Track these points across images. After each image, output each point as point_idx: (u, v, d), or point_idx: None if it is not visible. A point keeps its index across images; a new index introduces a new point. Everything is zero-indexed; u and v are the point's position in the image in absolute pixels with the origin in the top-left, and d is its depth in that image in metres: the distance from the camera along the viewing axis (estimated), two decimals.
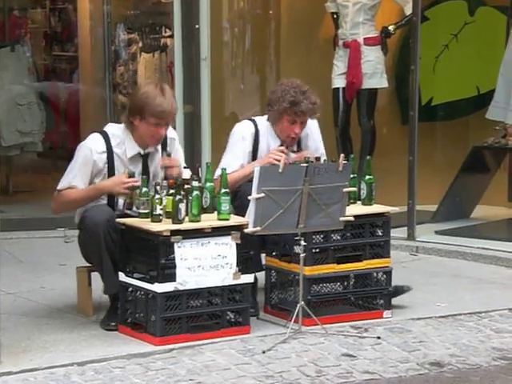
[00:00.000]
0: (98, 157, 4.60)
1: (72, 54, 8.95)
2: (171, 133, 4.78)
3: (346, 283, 4.88)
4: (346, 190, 4.58)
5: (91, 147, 4.62)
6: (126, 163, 4.64)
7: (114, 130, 4.70)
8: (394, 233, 5.13)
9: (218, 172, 4.75)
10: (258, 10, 7.63)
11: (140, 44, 7.95)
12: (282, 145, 4.91)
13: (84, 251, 4.68)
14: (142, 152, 4.66)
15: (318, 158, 4.97)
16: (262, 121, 5.02)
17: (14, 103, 7.87)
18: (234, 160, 4.91)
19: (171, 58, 7.13)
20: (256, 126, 4.98)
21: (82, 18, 8.42)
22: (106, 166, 4.62)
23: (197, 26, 6.53)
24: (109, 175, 4.63)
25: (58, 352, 4.31)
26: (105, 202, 4.65)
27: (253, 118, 5.09)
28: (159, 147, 4.71)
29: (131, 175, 4.54)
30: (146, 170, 4.66)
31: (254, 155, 4.97)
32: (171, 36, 7.12)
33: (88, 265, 4.75)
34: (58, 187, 4.65)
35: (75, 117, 8.54)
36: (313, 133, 5.07)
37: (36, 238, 6.61)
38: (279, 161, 4.72)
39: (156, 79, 4.46)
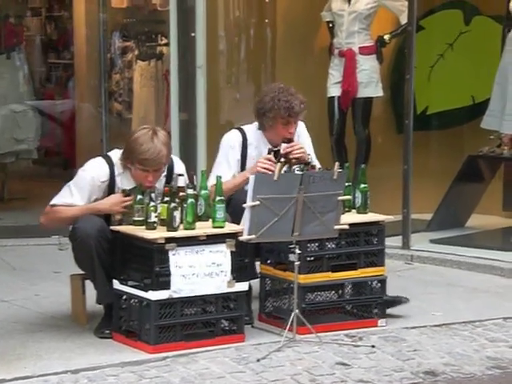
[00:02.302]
0: (100, 185, 4.60)
1: (68, 61, 8.96)
2: (179, 168, 4.72)
3: (340, 291, 4.88)
4: (340, 198, 4.58)
5: (94, 175, 4.60)
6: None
7: (118, 157, 4.65)
8: (388, 241, 5.13)
9: (211, 180, 4.75)
10: (253, 18, 7.65)
11: (136, 52, 7.96)
12: (269, 153, 4.93)
13: (77, 261, 4.66)
14: (138, 186, 4.58)
15: (313, 167, 4.98)
16: (251, 129, 5.06)
17: (10, 110, 7.87)
18: (225, 170, 4.93)
19: (167, 66, 7.15)
20: (244, 134, 5.04)
21: (77, 26, 8.43)
22: (107, 193, 4.61)
23: (193, 35, 6.53)
24: None
25: (51, 360, 4.30)
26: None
27: (241, 126, 5.12)
28: (157, 184, 4.65)
29: (127, 194, 4.54)
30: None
31: (243, 163, 5.00)
32: (167, 44, 7.14)
33: (82, 272, 4.75)
34: (53, 202, 4.62)
35: (70, 124, 8.54)
36: (301, 135, 5.12)
37: (30, 246, 6.60)
38: (267, 169, 4.78)
39: (152, 126, 4.44)
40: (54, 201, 4.64)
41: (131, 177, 4.62)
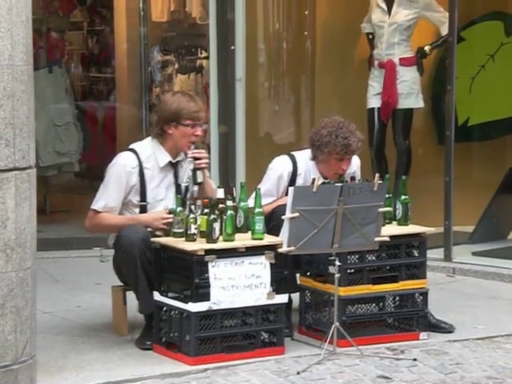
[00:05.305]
0: (132, 171, 4.68)
1: (109, 75, 9.03)
2: None
3: (381, 304, 4.84)
4: (381, 210, 4.55)
5: (124, 164, 4.70)
6: (156, 174, 4.69)
7: (140, 145, 4.80)
8: (430, 254, 5.09)
9: (251, 201, 4.65)
10: (293, 31, 7.66)
11: (176, 65, 8.00)
12: (312, 182, 4.68)
13: (119, 271, 4.71)
14: (172, 160, 4.74)
15: (352, 178, 4.95)
16: (303, 157, 4.97)
17: (52, 124, 7.95)
18: (266, 196, 4.85)
19: (207, 79, 7.18)
20: (295, 164, 4.96)
21: (118, 40, 8.51)
22: (139, 181, 4.68)
23: (232, 48, 6.57)
24: (141, 190, 4.69)
25: (93, 371, 4.32)
26: None
27: (293, 153, 5.04)
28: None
29: (171, 212, 4.58)
30: (176, 178, 4.74)
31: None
32: (207, 57, 7.17)
33: (123, 284, 4.77)
34: (94, 207, 4.70)
35: (112, 137, 8.61)
36: (356, 171, 5.05)
37: (72, 258, 6.66)
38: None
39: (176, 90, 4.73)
40: (95, 206, 4.70)
41: (168, 148, 4.70)
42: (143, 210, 4.71)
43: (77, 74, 9.23)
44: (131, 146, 4.82)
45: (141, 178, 4.69)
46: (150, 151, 4.73)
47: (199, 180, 4.64)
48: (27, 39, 4.02)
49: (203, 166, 4.69)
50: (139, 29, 7.97)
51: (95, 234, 4.90)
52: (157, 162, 4.71)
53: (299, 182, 4.95)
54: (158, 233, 4.62)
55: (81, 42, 9.36)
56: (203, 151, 4.76)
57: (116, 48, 8.63)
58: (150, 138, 4.82)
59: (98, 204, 4.69)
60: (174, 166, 4.76)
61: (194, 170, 4.66)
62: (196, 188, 4.69)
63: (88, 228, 4.76)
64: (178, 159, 4.77)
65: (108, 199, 4.67)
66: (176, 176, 4.75)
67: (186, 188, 4.76)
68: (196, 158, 4.68)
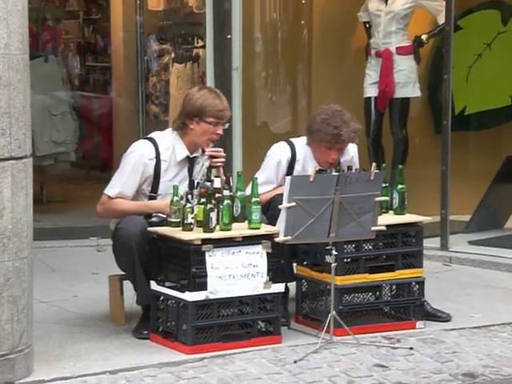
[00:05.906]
0: (149, 163, 4.67)
1: (105, 64, 9.02)
2: None
3: (378, 293, 4.85)
4: (377, 199, 4.56)
5: (142, 153, 4.67)
6: (172, 167, 4.68)
7: (161, 136, 4.77)
8: (426, 243, 5.09)
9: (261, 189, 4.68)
10: (289, 20, 7.65)
11: (172, 54, 7.99)
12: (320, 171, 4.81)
13: (118, 261, 4.71)
14: (190, 155, 4.73)
15: (349, 167, 4.95)
16: (301, 144, 4.97)
17: (48, 113, 7.94)
18: (266, 184, 4.88)
19: (203, 69, 7.17)
20: (293, 150, 4.96)
21: (115, 29, 8.50)
22: (154, 172, 4.68)
23: (229, 37, 6.56)
24: (154, 181, 4.69)
25: (90, 360, 4.33)
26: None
27: (291, 140, 5.04)
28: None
29: (181, 198, 4.57)
30: (190, 173, 4.73)
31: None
32: (203, 46, 7.16)
33: (120, 273, 4.78)
34: (109, 193, 4.67)
35: (108, 127, 8.60)
36: (354, 158, 5.05)
37: (69, 247, 6.65)
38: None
39: (203, 85, 4.75)
40: (109, 191, 4.68)
41: (187, 143, 4.69)
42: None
43: (73, 62, 9.21)
44: (151, 135, 4.79)
45: (156, 170, 4.67)
46: (169, 143, 4.70)
47: (213, 178, 4.62)
48: (23, 28, 4.01)
49: (219, 164, 4.68)
50: (135, 18, 7.95)
51: (95, 223, 4.88)
52: (174, 155, 4.69)
53: (297, 168, 4.95)
54: (169, 219, 4.59)
55: (77, 31, 9.34)
56: (221, 150, 4.74)
57: (112, 37, 8.61)
58: (170, 129, 4.78)
59: (112, 190, 4.67)
60: (189, 161, 4.73)
61: (210, 168, 4.66)
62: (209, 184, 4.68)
63: (100, 213, 4.72)
64: (195, 155, 4.75)
65: (123, 187, 4.65)
66: (190, 171, 4.73)
67: (198, 183, 4.74)
68: (213, 157, 4.68)
